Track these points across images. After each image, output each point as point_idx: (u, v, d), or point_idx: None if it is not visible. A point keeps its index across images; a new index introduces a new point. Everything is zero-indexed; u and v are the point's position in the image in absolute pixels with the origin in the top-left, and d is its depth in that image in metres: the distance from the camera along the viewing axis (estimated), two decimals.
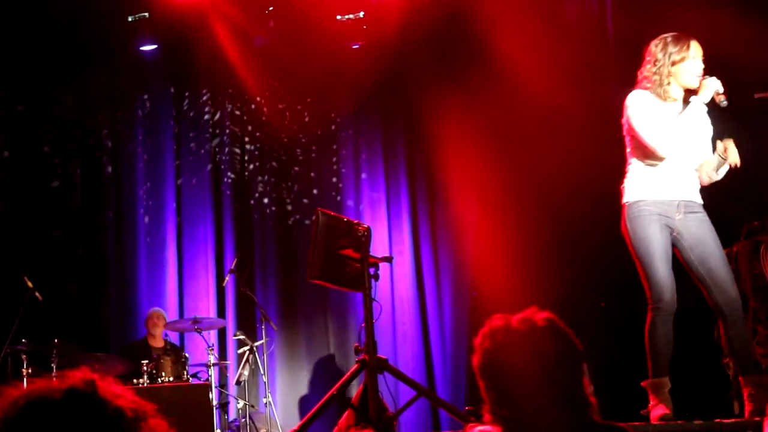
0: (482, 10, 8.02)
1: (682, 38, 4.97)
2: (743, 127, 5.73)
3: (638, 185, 4.99)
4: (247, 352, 7.93)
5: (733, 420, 4.98)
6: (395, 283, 8.67)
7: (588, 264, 7.86)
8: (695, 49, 4.96)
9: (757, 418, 4.71)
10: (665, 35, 5.00)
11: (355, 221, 5.72)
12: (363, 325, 5.36)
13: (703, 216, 4.97)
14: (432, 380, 8.48)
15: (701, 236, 4.92)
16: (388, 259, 5.84)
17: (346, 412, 5.82)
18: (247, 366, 7.90)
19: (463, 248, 8.65)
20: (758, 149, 6.54)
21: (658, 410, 4.93)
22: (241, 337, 8.05)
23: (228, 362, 8.32)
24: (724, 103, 4.88)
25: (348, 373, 5.41)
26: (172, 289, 8.61)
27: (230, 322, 8.55)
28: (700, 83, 4.93)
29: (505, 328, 2.28)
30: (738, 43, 6.61)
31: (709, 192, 5.08)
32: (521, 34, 7.90)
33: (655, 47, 4.99)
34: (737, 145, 5.00)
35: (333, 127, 9.07)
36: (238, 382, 7.96)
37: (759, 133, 6.89)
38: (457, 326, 8.58)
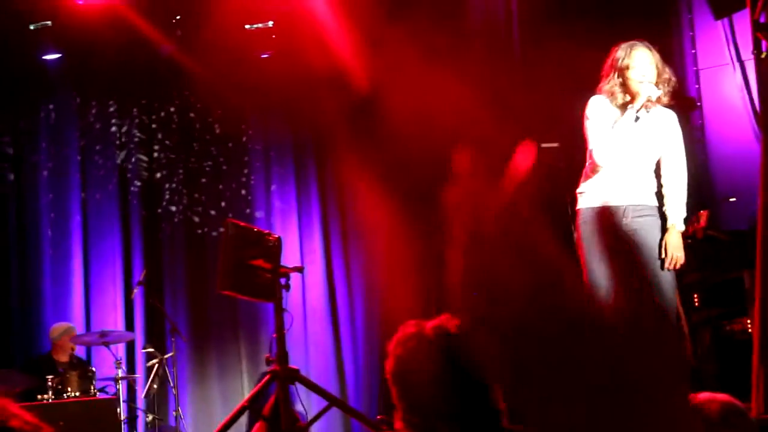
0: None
1: (630, 45, 5.08)
2: None
3: (586, 192, 5.10)
4: (157, 365, 7.82)
5: None
6: (307, 293, 8.65)
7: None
8: (639, 57, 5.04)
9: None
10: (625, 43, 5.11)
11: (266, 231, 5.69)
12: (274, 335, 5.33)
13: (653, 220, 5.07)
14: (344, 390, 8.47)
15: (644, 241, 5.03)
16: (299, 269, 5.82)
17: (258, 424, 5.77)
18: (157, 379, 7.79)
19: (375, 257, 8.68)
20: None
21: None
22: (151, 349, 7.93)
23: (137, 376, 8.19)
24: (648, 110, 4.99)
25: (259, 384, 5.37)
26: (78, 302, 8.43)
27: (139, 335, 8.41)
28: (637, 91, 5.02)
29: (418, 336, 2.29)
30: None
31: None
32: (427, 45, 7.98)
33: (612, 54, 5.12)
34: None
35: (244, 139, 9.00)
36: (147, 396, 7.84)
37: None
38: (369, 335, 8.59)
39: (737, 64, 7.05)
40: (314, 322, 8.62)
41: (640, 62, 5.03)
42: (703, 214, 6.58)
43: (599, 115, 5.09)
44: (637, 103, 5.01)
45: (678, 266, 5.01)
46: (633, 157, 5.07)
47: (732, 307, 6.32)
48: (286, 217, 8.85)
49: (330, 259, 8.77)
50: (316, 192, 8.87)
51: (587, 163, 5.16)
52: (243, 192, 8.95)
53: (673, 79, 5.14)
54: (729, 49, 7.22)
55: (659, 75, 5.07)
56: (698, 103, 7.64)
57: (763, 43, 5.87)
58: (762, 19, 5.91)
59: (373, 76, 8.40)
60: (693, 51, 7.81)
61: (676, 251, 5.00)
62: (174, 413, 7.87)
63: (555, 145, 7.88)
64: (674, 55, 7.89)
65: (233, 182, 8.96)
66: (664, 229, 5.09)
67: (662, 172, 5.14)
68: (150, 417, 7.69)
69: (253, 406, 5.31)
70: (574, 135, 7.78)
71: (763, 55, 5.92)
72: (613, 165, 5.04)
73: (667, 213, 5.08)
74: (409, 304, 8.00)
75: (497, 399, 2.34)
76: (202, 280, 8.54)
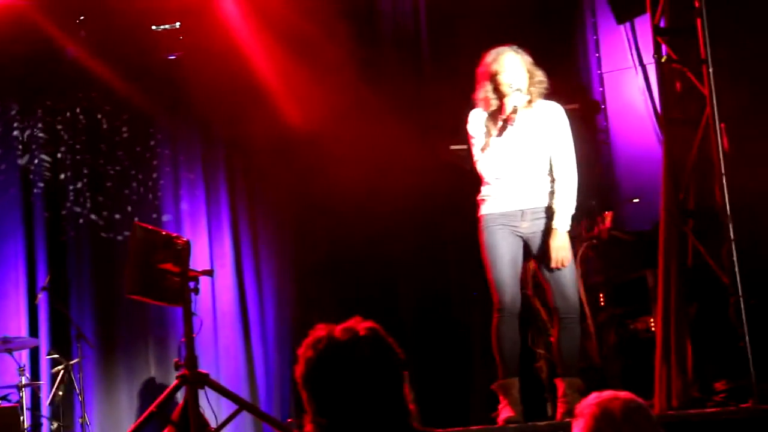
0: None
1: (498, 52, 5.13)
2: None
3: (484, 200, 5.15)
4: (62, 372, 7.67)
5: (546, 422, 5.17)
6: (216, 296, 8.58)
7: (409, 269, 8.06)
8: (508, 61, 5.09)
9: (568, 419, 4.90)
10: (490, 51, 5.15)
11: (174, 234, 5.63)
12: (183, 339, 5.28)
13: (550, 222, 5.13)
14: (255, 393, 8.43)
15: (545, 242, 5.10)
16: (209, 273, 5.77)
17: (166, 429, 5.70)
18: (62, 386, 7.65)
19: (286, 260, 8.66)
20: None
21: (504, 413, 5.07)
22: (56, 356, 7.78)
23: (41, 382, 8.01)
24: (512, 124, 5.00)
25: (168, 390, 5.31)
26: None
27: (44, 341, 8.23)
28: (506, 100, 5.06)
29: (327, 338, 2.30)
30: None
31: None
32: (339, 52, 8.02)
33: (481, 65, 5.15)
34: None
35: (149, 138, 8.88)
36: (51, 403, 7.69)
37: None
38: (280, 339, 8.57)
39: (639, 68, 7.22)
40: (224, 326, 8.56)
41: (509, 67, 5.07)
42: (608, 215, 6.72)
43: (477, 127, 5.16)
44: (505, 113, 5.04)
45: (564, 265, 5.07)
46: (521, 161, 5.11)
47: (636, 306, 6.47)
48: (195, 220, 8.76)
49: (240, 263, 8.72)
50: (225, 195, 8.80)
51: (480, 181, 5.21)
52: (150, 196, 8.83)
53: (545, 79, 5.17)
54: (631, 53, 7.39)
55: (531, 77, 5.12)
56: (602, 106, 7.81)
57: (663, 47, 6.03)
58: (662, 24, 6.07)
59: (283, 81, 8.38)
60: (597, 54, 7.98)
61: (559, 252, 5.06)
62: (80, 420, 7.74)
63: (464, 147, 7.95)
64: (579, 58, 8.06)
65: (141, 186, 8.83)
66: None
67: (553, 170, 5.18)
68: (55, 424, 7.55)
69: (161, 412, 5.24)
70: None
71: (663, 59, 6.08)
72: (501, 174, 5.08)
73: (556, 212, 5.12)
74: (320, 309, 8.02)
75: (408, 400, 2.37)
76: (110, 284, 8.40)
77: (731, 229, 5.47)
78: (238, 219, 8.78)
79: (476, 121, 5.18)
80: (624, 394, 3.17)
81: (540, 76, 5.16)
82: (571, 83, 7.97)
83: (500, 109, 5.11)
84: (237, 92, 8.48)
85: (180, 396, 5.67)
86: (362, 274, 8.13)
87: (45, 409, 7.89)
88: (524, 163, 5.12)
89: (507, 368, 5.11)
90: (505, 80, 5.06)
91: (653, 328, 5.99)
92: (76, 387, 7.71)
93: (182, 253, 5.30)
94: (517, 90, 5.04)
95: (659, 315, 5.81)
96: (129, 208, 8.75)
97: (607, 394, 3.07)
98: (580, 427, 2.97)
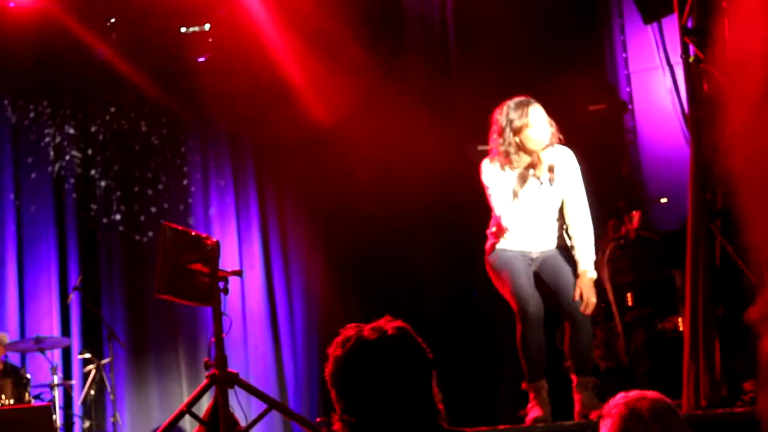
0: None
1: (521, 104, 5.03)
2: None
3: (498, 239, 5.16)
4: (94, 371, 7.75)
5: (572, 422, 5.18)
6: (246, 296, 8.63)
7: (432, 274, 8.07)
8: (535, 115, 5.00)
9: (583, 419, 4.93)
10: (508, 102, 5.07)
11: (204, 235, 5.67)
12: (213, 339, 5.32)
13: (564, 257, 5.15)
14: (284, 393, 8.47)
15: (554, 263, 5.12)
16: (238, 273, 5.81)
17: (197, 429, 5.75)
18: (94, 385, 7.72)
19: (314, 260, 8.70)
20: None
21: (533, 412, 5.09)
22: (87, 355, 7.86)
23: (73, 382, 8.10)
24: (551, 182, 5.00)
25: (198, 389, 5.36)
26: (12, 309, 8.31)
27: (76, 341, 8.32)
28: (539, 156, 5.00)
29: (356, 337, 2.32)
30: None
31: None
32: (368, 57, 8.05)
33: (498, 115, 5.05)
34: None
35: (180, 141, 8.95)
36: (83, 402, 7.76)
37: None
38: (309, 338, 8.61)
39: (667, 68, 7.21)
40: (253, 326, 8.61)
41: (537, 121, 5.00)
42: (636, 215, 6.72)
43: (498, 183, 5.07)
44: (540, 172, 5.01)
45: (591, 310, 5.06)
46: (541, 210, 5.12)
47: (664, 306, 6.46)
48: (224, 221, 8.82)
49: (269, 263, 8.76)
50: (254, 196, 8.85)
51: (495, 222, 5.18)
52: (180, 197, 8.89)
53: (556, 129, 5.11)
54: (659, 53, 7.38)
55: (551, 129, 5.08)
56: (630, 106, 7.79)
57: (691, 47, 6.02)
58: (689, 24, 6.06)
59: (310, 81, 8.42)
60: (624, 55, 7.96)
61: (590, 296, 5.04)
62: (111, 419, 7.81)
63: (489, 147, 7.96)
64: (606, 58, 8.04)
65: (171, 187, 8.89)
66: (573, 262, 5.14)
67: (566, 214, 5.14)
68: (87, 423, 7.62)
69: (191, 411, 5.29)
70: None
71: (691, 59, 6.07)
72: (522, 223, 5.08)
73: (577, 258, 5.09)
74: (350, 309, 8.05)
75: (436, 399, 2.38)
76: (140, 284, 8.48)
77: None
78: (267, 219, 8.83)
79: (496, 176, 5.09)
80: (652, 394, 3.18)
81: (554, 125, 5.11)
82: (599, 83, 7.97)
83: (528, 165, 5.05)
84: (265, 93, 8.53)
85: (210, 395, 5.72)
86: (390, 273, 8.15)
87: (77, 407, 7.97)
88: (542, 212, 5.13)
89: (534, 372, 5.13)
90: (535, 137, 4.99)
91: (681, 328, 5.98)
92: (108, 386, 7.77)
93: (211, 253, 5.35)
94: (549, 146, 4.99)
95: (687, 315, 5.80)
96: (159, 210, 8.82)
97: (635, 393, 3.08)
98: (607, 427, 2.98)
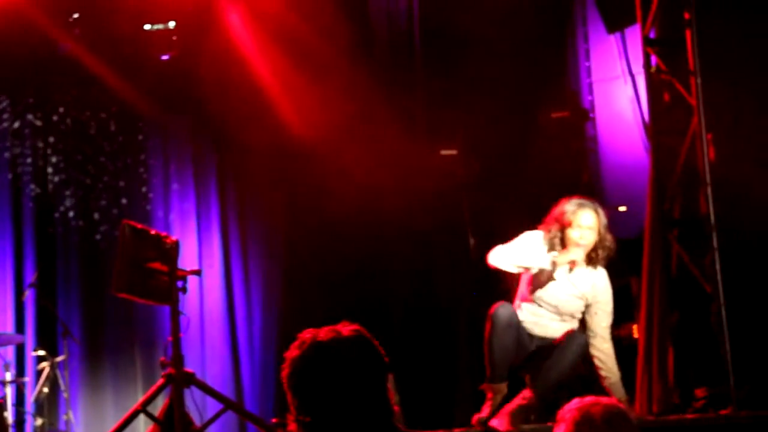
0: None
1: (579, 204, 5.22)
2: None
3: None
4: (47, 369, 7.68)
5: (532, 425, 5.21)
6: (204, 296, 8.59)
7: (396, 275, 8.10)
8: (584, 218, 5.17)
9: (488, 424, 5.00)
10: (577, 198, 5.26)
11: (164, 234, 5.64)
12: (170, 338, 5.30)
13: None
14: (241, 393, 8.45)
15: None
16: (197, 272, 5.79)
17: (151, 428, 5.72)
18: (47, 382, 7.65)
19: (274, 261, 8.68)
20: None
21: (482, 413, 5.13)
22: (41, 352, 7.79)
23: (26, 379, 8.02)
24: (571, 270, 5.21)
25: (153, 388, 5.33)
26: None
27: (30, 338, 8.24)
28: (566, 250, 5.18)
29: (312, 339, 2.34)
30: None
31: None
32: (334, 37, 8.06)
33: (558, 206, 5.26)
34: None
35: (140, 137, 8.89)
36: (36, 400, 7.69)
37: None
38: (267, 340, 8.59)
39: (629, 78, 7.27)
40: (211, 326, 8.57)
41: (583, 223, 5.17)
42: None
43: (529, 242, 5.24)
44: (562, 257, 5.16)
45: None
46: (558, 307, 5.26)
47: (619, 313, 6.51)
48: (184, 220, 8.77)
49: (229, 264, 8.73)
50: (215, 196, 8.82)
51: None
52: (140, 195, 8.84)
53: (614, 246, 5.26)
54: (621, 63, 7.44)
55: (600, 240, 5.21)
56: (591, 115, 7.86)
57: (653, 57, 6.09)
58: (652, 35, 6.13)
59: (276, 84, 8.40)
60: (587, 63, 8.03)
61: None
62: (64, 417, 7.74)
63: (453, 152, 8.01)
64: (569, 66, 8.10)
65: (130, 185, 8.83)
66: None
67: (592, 338, 5.27)
68: (39, 421, 7.55)
69: (146, 410, 5.26)
70: (473, 142, 7.96)
71: (652, 70, 6.14)
72: (538, 304, 5.25)
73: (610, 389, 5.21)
74: (309, 311, 8.05)
75: (391, 401, 2.41)
76: (98, 282, 8.41)
77: (715, 239, 5.53)
78: (227, 219, 8.79)
79: (533, 239, 5.26)
80: (605, 400, 3.21)
81: (609, 241, 5.24)
82: (561, 91, 8.03)
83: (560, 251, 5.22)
84: (229, 94, 8.50)
85: (165, 394, 5.69)
86: (351, 276, 8.15)
87: (30, 405, 7.89)
88: (559, 310, 5.27)
89: (494, 374, 5.17)
90: (574, 235, 5.16)
91: (636, 336, 6.04)
92: (62, 384, 7.71)
93: (171, 252, 5.33)
94: (582, 247, 5.15)
95: (642, 322, 5.87)
96: (118, 207, 8.76)
97: (589, 399, 3.11)
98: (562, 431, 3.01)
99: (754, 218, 5.85)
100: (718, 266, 5.49)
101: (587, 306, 5.26)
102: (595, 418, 2.95)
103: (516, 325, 5.18)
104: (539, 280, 5.24)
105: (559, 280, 5.24)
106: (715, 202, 5.60)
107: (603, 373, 5.20)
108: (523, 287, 5.35)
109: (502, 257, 5.20)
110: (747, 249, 5.81)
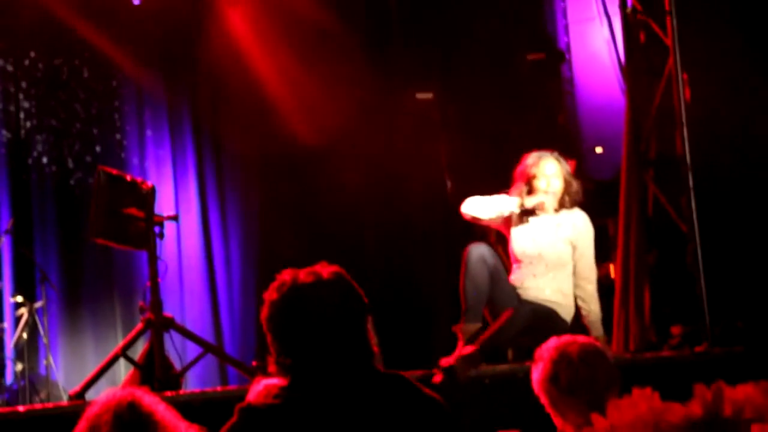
0: None
1: (539, 156, 5.31)
2: None
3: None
4: (26, 314, 7.67)
5: (507, 365, 5.27)
6: (182, 241, 8.58)
7: (373, 218, 8.11)
8: (547, 167, 5.26)
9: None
10: (531, 154, 5.32)
11: (140, 179, 5.63)
12: (148, 283, 5.31)
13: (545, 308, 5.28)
14: (220, 337, 8.48)
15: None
16: (174, 218, 5.80)
17: (131, 372, 5.75)
18: (26, 328, 7.65)
19: (251, 205, 8.67)
20: None
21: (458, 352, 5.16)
22: (19, 299, 7.78)
23: (5, 325, 8.00)
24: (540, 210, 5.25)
25: (132, 332, 5.36)
26: None
27: (7, 284, 8.21)
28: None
29: (292, 281, 2.35)
30: None
31: None
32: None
33: (520, 166, 5.35)
34: None
35: (114, 83, 8.80)
36: (16, 345, 7.70)
37: None
38: (245, 283, 8.60)
39: (605, 18, 7.24)
40: (189, 271, 8.57)
41: (547, 172, 5.25)
42: (571, 164, 6.78)
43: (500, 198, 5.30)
44: (529, 200, 5.23)
45: None
46: (538, 257, 5.25)
47: (596, 253, 6.56)
48: (160, 165, 8.72)
49: (206, 208, 8.70)
50: (191, 139, 8.76)
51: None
52: (115, 140, 8.77)
53: (580, 190, 5.32)
54: (597, 4, 7.41)
55: (567, 186, 5.27)
56: (567, 56, 7.84)
57: None
58: None
59: (251, 27, 8.32)
60: (563, 4, 7.99)
61: None
62: (45, 362, 7.75)
63: (429, 95, 7.98)
64: (545, 8, 8.06)
65: (105, 130, 8.76)
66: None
67: (576, 277, 5.29)
68: (19, 366, 7.56)
69: (126, 354, 5.29)
70: (449, 84, 7.93)
71: (628, 10, 6.12)
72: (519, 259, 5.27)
73: (588, 325, 5.24)
74: (287, 254, 8.05)
75: (371, 342, 2.42)
76: (75, 228, 8.37)
77: (691, 179, 5.56)
78: (203, 165, 8.75)
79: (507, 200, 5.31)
80: (582, 339, 3.26)
81: (576, 186, 5.31)
82: (537, 33, 7.99)
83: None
84: (202, 41, 8.41)
85: (145, 339, 5.72)
86: (329, 219, 8.16)
87: (9, 351, 7.89)
88: (544, 260, 5.25)
89: (468, 313, 5.20)
90: (541, 185, 5.24)
91: (613, 275, 6.09)
92: (41, 329, 7.71)
93: (147, 197, 5.32)
94: (550, 194, 5.23)
95: (619, 262, 5.92)
96: (93, 153, 8.69)
97: (566, 338, 3.15)
98: (539, 371, 3.05)
99: (729, 158, 5.88)
100: (693, 206, 5.53)
101: (573, 249, 5.28)
102: (572, 357, 3.00)
103: (491, 264, 5.20)
104: (514, 223, 5.29)
105: (537, 228, 5.26)
106: (691, 142, 5.62)
107: (584, 312, 5.24)
108: (512, 256, 5.36)
109: (474, 206, 5.25)
110: (722, 189, 5.86)
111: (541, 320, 5.13)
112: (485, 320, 5.27)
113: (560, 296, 5.24)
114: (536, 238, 5.26)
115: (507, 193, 5.34)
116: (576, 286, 5.27)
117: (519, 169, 5.34)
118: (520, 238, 5.30)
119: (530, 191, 5.28)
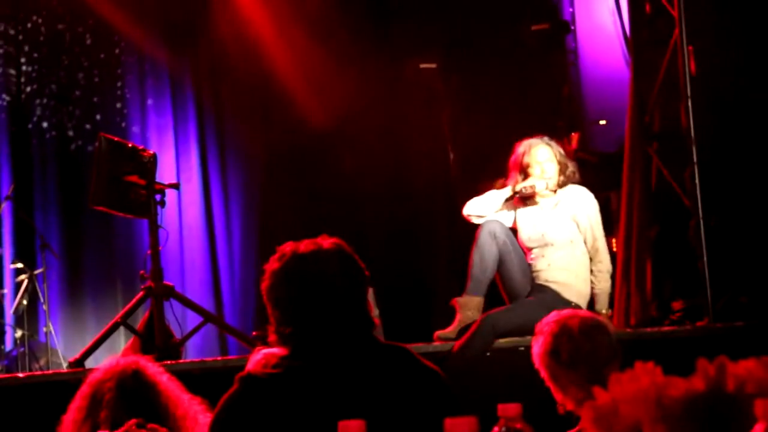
0: None
1: (527, 144, 5.22)
2: None
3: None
4: (26, 281, 7.68)
5: None
6: (183, 210, 8.57)
7: (375, 189, 8.09)
8: (539, 154, 5.17)
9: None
10: (522, 142, 5.24)
11: (141, 147, 5.61)
12: (149, 252, 5.30)
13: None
14: (220, 307, 8.48)
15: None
16: (175, 186, 5.78)
17: (131, 340, 5.76)
18: (26, 295, 7.66)
19: (253, 174, 8.64)
20: None
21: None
22: (19, 265, 7.78)
23: (5, 291, 8.01)
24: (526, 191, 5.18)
25: (133, 301, 5.36)
26: None
27: (7, 251, 8.21)
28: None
29: (292, 252, 2.34)
30: None
31: None
32: None
33: (512, 154, 5.26)
34: None
35: (117, 51, 8.75)
36: (15, 312, 7.71)
37: None
38: (246, 253, 8.59)
39: None
40: (190, 239, 8.56)
41: (540, 158, 5.16)
42: (574, 136, 6.76)
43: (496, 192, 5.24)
44: (520, 185, 5.15)
45: None
46: (540, 233, 5.19)
47: None
48: (161, 133, 8.69)
49: (207, 177, 8.68)
50: (193, 108, 8.73)
51: None
52: (118, 105, 8.74)
53: (576, 170, 5.25)
54: None
55: (562, 170, 5.18)
56: (572, 27, 7.78)
57: None
58: None
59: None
60: None
61: None
62: (44, 329, 7.76)
63: (433, 65, 7.94)
64: None
65: (107, 97, 8.72)
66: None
67: (589, 253, 5.21)
68: (19, 333, 7.57)
69: (126, 323, 5.29)
70: (452, 54, 7.89)
71: None
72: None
73: (594, 294, 5.18)
74: (288, 224, 8.04)
75: (371, 313, 2.42)
76: (75, 195, 8.36)
77: (695, 152, 5.53)
78: (205, 133, 8.72)
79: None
80: (583, 312, 3.25)
81: (572, 167, 5.24)
82: (541, 3, 7.93)
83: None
84: (207, 5, 8.36)
85: (145, 308, 5.71)
86: (329, 190, 8.13)
87: (9, 317, 7.90)
88: (548, 239, 5.19)
89: (470, 285, 5.18)
90: (536, 173, 5.16)
91: (615, 249, 6.07)
92: (41, 296, 7.71)
93: (148, 165, 5.30)
94: (546, 180, 5.15)
95: (621, 236, 5.90)
96: (97, 118, 8.66)
97: (566, 312, 3.15)
98: (539, 344, 3.04)
99: (734, 133, 5.85)
100: (697, 180, 5.50)
101: (577, 225, 5.21)
102: (573, 330, 2.99)
103: (501, 241, 5.15)
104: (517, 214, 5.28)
105: (537, 212, 5.21)
106: (695, 116, 5.58)
107: (592, 285, 5.17)
108: (523, 247, 5.29)
109: (476, 207, 5.22)
110: (726, 163, 5.83)
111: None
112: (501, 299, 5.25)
113: (569, 276, 5.14)
114: (537, 223, 5.20)
115: (504, 183, 5.29)
116: (591, 261, 5.21)
117: (512, 159, 5.27)
118: (523, 227, 5.25)
119: (525, 179, 5.22)
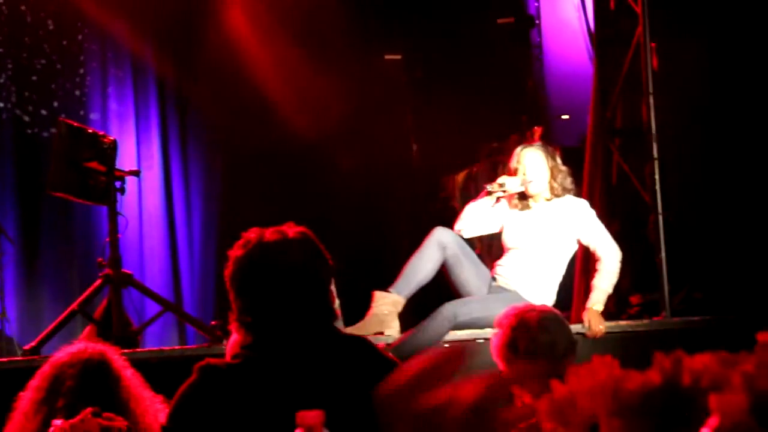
0: None
1: (521, 148, 5.18)
2: None
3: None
4: None
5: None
6: (143, 198, 8.49)
7: (338, 179, 8.08)
8: (529, 159, 5.09)
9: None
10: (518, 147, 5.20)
11: (101, 133, 5.56)
12: (107, 239, 5.26)
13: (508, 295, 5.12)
14: (179, 295, 8.43)
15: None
16: (136, 173, 5.74)
17: (88, 328, 5.71)
18: None
19: (215, 163, 8.60)
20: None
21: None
22: None
23: None
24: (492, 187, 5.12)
25: (90, 288, 5.31)
26: None
27: None
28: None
29: (258, 239, 2.33)
30: None
31: None
32: None
33: (512, 155, 5.20)
34: None
35: (79, 38, 8.65)
36: None
37: None
38: (206, 242, 8.55)
39: None
40: (150, 227, 8.50)
41: (530, 164, 5.08)
42: (537, 131, 6.79)
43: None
44: (496, 184, 5.09)
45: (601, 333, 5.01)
46: (526, 248, 5.13)
47: None
48: (122, 120, 8.61)
49: (168, 165, 8.62)
50: (155, 96, 8.66)
51: None
52: (77, 93, 8.64)
53: (570, 177, 5.17)
54: None
55: (552, 175, 5.10)
56: (537, 21, 7.82)
57: None
58: None
59: None
60: None
61: (596, 326, 4.97)
62: (0, 316, 7.67)
63: (398, 57, 7.94)
64: None
65: (67, 82, 8.62)
66: None
67: (596, 258, 5.13)
68: None
69: (83, 310, 5.24)
70: (419, 45, 7.90)
71: None
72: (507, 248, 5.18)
73: (591, 292, 5.11)
74: (251, 214, 8.00)
75: (333, 303, 2.41)
76: (33, 181, 8.26)
77: (655, 148, 5.58)
78: (167, 120, 8.66)
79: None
80: (540, 306, 3.27)
81: (564, 173, 5.14)
82: None
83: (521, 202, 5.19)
84: None
85: (103, 295, 5.66)
86: (292, 178, 8.11)
87: None
88: (518, 251, 5.13)
89: (397, 282, 5.11)
90: (519, 175, 5.09)
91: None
92: None
93: (108, 151, 5.26)
94: (524, 180, 5.08)
95: None
96: (54, 105, 8.56)
97: (524, 306, 3.17)
98: (498, 337, 3.06)
99: (694, 129, 5.91)
100: (657, 176, 5.55)
101: (580, 231, 5.14)
102: (531, 323, 3.01)
103: (450, 254, 5.05)
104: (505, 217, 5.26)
105: (526, 215, 5.15)
106: (657, 112, 5.62)
107: (597, 279, 5.09)
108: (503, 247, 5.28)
109: (459, 221, 5.17)
110: (686, 159, 5.88)
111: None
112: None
113: (534, 284, 5.08)
114: (521, 226, 5.13)
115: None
116: (599, 261, 5.10)
117: (510, 162, 5.22)
118: (507, 227, 5.18)
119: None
